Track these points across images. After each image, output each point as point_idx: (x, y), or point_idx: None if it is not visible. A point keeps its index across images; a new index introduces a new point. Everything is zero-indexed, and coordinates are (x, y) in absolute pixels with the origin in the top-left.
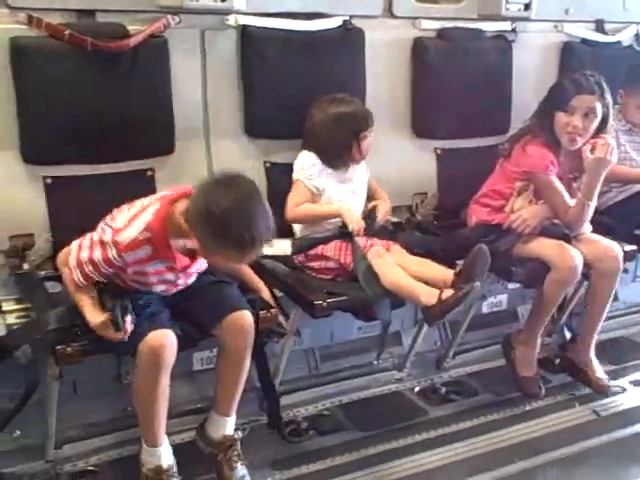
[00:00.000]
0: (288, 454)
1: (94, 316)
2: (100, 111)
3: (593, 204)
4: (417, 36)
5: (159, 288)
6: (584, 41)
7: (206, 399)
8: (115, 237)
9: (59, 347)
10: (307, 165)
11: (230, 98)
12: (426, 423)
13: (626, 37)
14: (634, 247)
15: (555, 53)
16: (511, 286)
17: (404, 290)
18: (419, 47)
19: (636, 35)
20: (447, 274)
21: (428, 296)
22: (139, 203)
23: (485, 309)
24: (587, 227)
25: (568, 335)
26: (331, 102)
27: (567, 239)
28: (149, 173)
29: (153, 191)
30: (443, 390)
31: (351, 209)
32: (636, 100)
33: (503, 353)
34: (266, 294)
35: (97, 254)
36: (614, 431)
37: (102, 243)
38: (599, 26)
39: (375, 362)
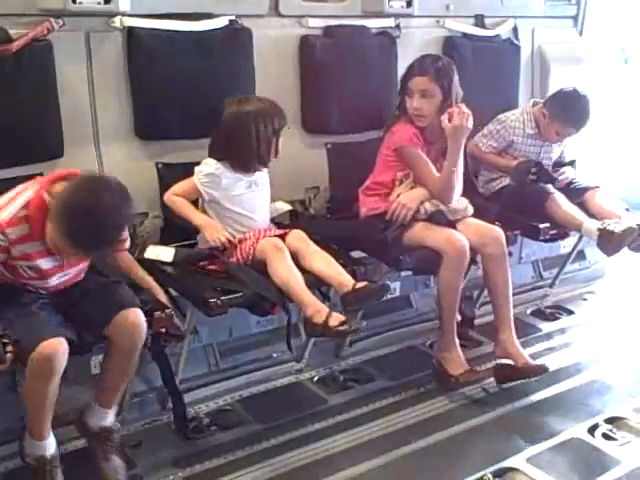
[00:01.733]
0: (189, 451)
1: None
2: None
3: (459, 171)
4: (304, 34)
5: (53, 280)
6: (465, 35)
7: None
8: None
9: None
10: (206, 172)
11: (119, 101)
12: (325, 411)
13: (505, 31)
14: (517, 232)
15: (438, 48)
16: (404, 273)
17: (293, 294)
18: (306, 45)
19: (514, 29)
20: (344, 283)
21: (314, 311)
22: (22, 185)
23: None
24: (469, 209)
25: (459, 318)
26: (243, 102)
27: (452, 225)
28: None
29: None
30: (341, 378)
31: (213, 224)
32: (557, 127)
33: (433, 373)
34: (161, 295)
35: None
36: (501, 406)
37: None
38: (479, 21)
39: (275, 355)
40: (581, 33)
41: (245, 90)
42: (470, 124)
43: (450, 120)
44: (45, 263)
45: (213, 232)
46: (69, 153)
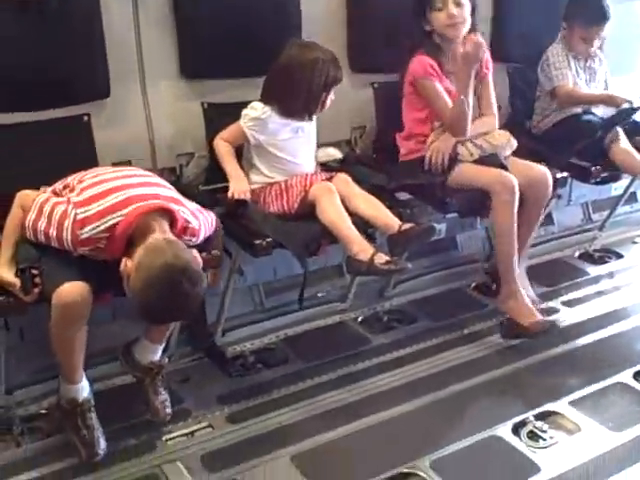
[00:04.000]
0: (235, 388)
1: (4, 273)
2: (34, 57)
3: (469, 100)
4: None
5: None
6: None
7: None
8: (77, 231)
9: (0, 299)
10: (252, 115)
11: (164, 39)
12: (368, 351)
13: None
14: (565, 174)
15: None
16: (450, 215)
17: (340, 234)
18: None
19: None
20: (390, 225)
21: (359, 249)
22: (111, 197)
23: None
24: (512, 141)
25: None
26: (304, 47)
27: (504, 167)
28: (85, 118)
29: (90, 138)
30: (385, 318)
31: (240, 179)
32: (579, 32)
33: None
34: None
35: (52, 232)
36: (547, 350)
37: (60, 225)
38: None
39: (319, 294)
40: None
41: (291, 26)
42: (481, 55)
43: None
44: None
45: (236, 186)
46: (115, 93)
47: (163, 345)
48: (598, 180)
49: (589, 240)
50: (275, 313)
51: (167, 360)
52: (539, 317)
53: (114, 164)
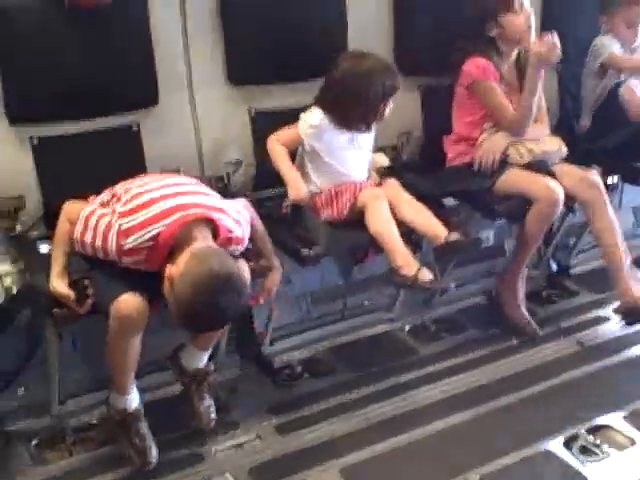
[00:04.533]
0: (283, 399)
1: (58, 285)
2: (82, 66)
3: (536, 100)
4: None
5: None
6: None
7: None
8: (121, 241)
9: (56, 310)
10: (310, 123)
11: (211, 45)
12: (416, 362)
13: None
14: (616, 176)
15: None
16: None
17: (385, 245)
18: None
19: None
20: (438, 233)
21: (404, 263)
22: (155, 207)
23: None
24: (563, 149)
25: (555, 267)
26: (359, 58)
27: (551, 173)
28: (134, 128)
29: (139, 147)
30: (432, 328)
31: (299, 184)
32: (622, 17)
33: (494, 304)
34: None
35: (98, 243)
36: (599, 360)
37: (105, 236)
38: None
39: (366, 303)
40: None
41: (337, 29)
42: (554, 57)
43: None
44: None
45: (295, 191)
46: (164, 101)
47: (209, 352)
48: None
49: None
50: (322, 322)
51: (213, 367)
52: (525, 315)
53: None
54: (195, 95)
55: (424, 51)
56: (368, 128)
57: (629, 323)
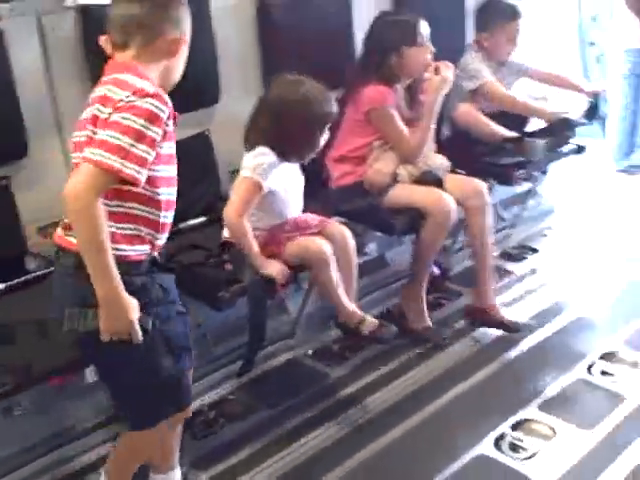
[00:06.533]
0: (206, 451)
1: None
2: None
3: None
4: None
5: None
6: None
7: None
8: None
9: None
10: (263, 165)
11: (78, 86)
12: (331, 385)
13: None
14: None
15: None
16: (377, 233)
17: (331, 297)
18: (263, 7)
19: None
20: (349, 314)
21: (347, 315)
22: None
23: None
24: (446, 163)
25: (436, 271)
26: (294, 84)
27: (440, 184)
28: (3, 182)
29: (11, 203)
30: (335, 348)
31: (273, 262)
32: (504, 32)
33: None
34: None
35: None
36: (499, 356)
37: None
38: None
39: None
40: None
41: (207, 63)
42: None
43: (437, 72)
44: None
45: (277, 270)
46: (33, 151)
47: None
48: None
49: (504, 239)
50: (225, 361)
51: None
52: (429, 324)
53: (40, 228)
54: (67, 143)
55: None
56: (303, 159)
57: (473, 324)
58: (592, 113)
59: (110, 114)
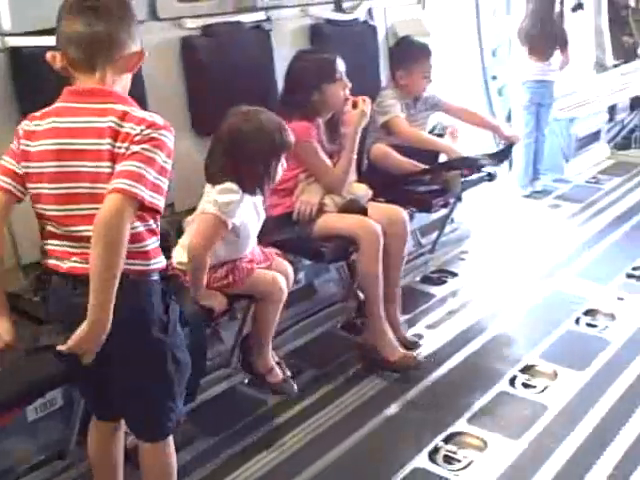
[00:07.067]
0: None
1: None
2: None
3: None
4: (184, 36)
5: None
6: (329, 22)
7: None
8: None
9: None
10: (235, 199)
11: (5, 130)
12: (269, 413)
13: (362, 13)
14: (413, 208)
15: (306, 36)
16: (306, 262)
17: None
18: (187, 46)
19: (369, 10)
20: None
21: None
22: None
23: None
24: (369, 192)
25: (362, 296)
26: (249, 114)
27: (365, 212)
28: None
29: None
30: None
31: (213, 293)
32: (420, 70)
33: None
34: None
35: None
36: (430, 374)
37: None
38: (337, 6)
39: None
40: (424, 7)
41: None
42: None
43: (355, 107)
44: None
45: (217, 302)
46: None
47: None
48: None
49: (424, 264)
50: None
51: None
52: (403, 352)
53: None
54: None
55: (216, 113)
56: (262, 189)
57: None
58: (503, 157)
59: (127, 148)
